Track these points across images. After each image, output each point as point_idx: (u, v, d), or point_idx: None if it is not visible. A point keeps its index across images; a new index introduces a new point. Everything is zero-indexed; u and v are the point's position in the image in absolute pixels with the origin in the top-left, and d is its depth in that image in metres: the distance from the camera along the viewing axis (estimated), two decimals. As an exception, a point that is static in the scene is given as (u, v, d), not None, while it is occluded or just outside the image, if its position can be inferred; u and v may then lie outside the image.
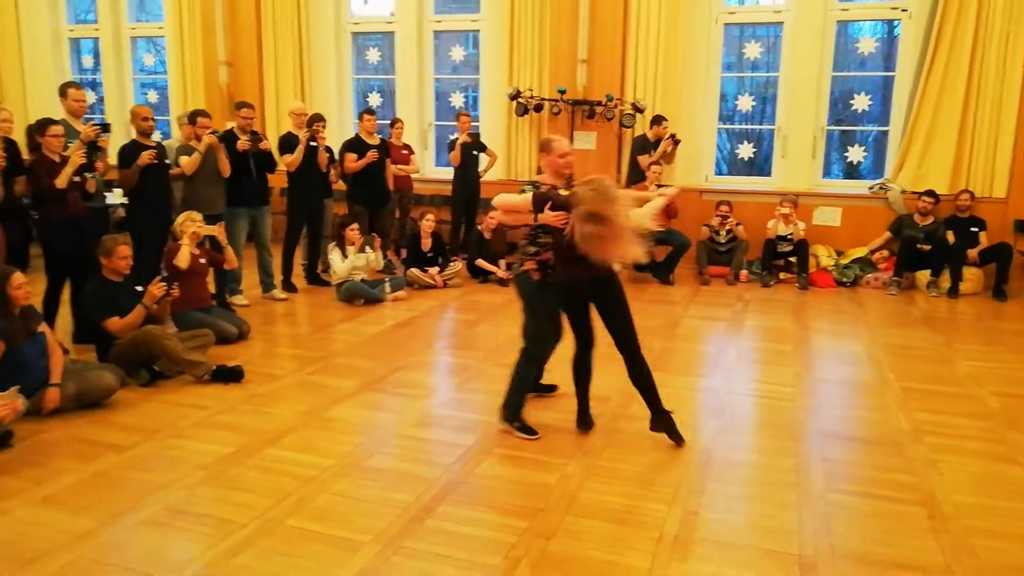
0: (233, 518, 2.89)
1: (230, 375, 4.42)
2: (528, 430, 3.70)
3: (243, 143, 6.02)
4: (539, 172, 3.92)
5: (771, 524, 2.94)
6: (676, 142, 7.70)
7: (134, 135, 5.61)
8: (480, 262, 7.57)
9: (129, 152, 5.43)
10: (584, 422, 3.83)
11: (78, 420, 3.86)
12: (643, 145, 7.87)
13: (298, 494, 3.09)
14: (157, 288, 4.53)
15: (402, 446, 3.59)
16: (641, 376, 3.63)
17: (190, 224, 5.31)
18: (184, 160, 5.83)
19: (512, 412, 3.75)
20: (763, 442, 3.76)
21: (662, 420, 3.65)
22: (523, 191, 3.72)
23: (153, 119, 5.68)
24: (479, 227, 7.75)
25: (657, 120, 7.87)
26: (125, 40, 10.85)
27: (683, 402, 4.31)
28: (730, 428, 3.93)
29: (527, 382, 3.81)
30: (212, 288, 6.10)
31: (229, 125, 6.45)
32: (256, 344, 5.30)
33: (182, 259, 5.13)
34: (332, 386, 4.40)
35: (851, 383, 4.73)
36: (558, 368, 4.12)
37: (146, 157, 5.36)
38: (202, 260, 5.36)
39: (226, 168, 5.96)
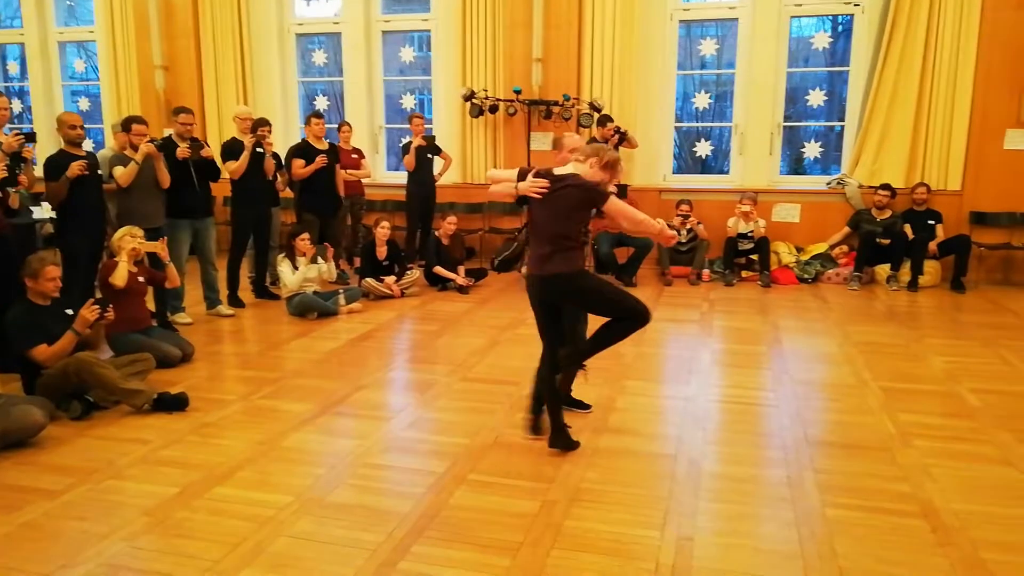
0: (180, 573, 2.56)
1: (173, 403, 4.05)
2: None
3: (183, 151, 5.62)
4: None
5: (772, 547, 2.74)
6: (621, 135, 7.49)
7: (62, 145, 5.19)
8: (438, 269, 7.29)
9: (56, 163, 5.01)
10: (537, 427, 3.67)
11: (1, 463, 3.46)
12: None
13: (254, 539, 2.77)
14: (90, 311, 4.13)
15: (368, 476, 3.29)
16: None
17: (130, 240, 4.91)
18: (119, 171, 5.41)
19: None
20: (751, 452, 3.57)
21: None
22: None
23: (83, 127, 5.27)
24: (436, 233, 7.47)
25: (602, 122, 7.67)
26: (53, 45, 10.26)
27: (666, 412, 4.13)
28: (716, 439, 3.74)
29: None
30: (152, 307, 5.72)
31: (168, 132, 6.04)
32: (202, 366, 4.92)
33: (119, 277, 4.73)
34: (287, 411, 4.08)
35: (830, 385, 4.60)
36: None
37: (76, 168, 4.95)
38: (140, 278, 4.96)
39: (165, 179, 5.56)
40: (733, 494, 3.15)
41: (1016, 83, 7.32)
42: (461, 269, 7.39)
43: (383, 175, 9.45)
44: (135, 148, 5.41)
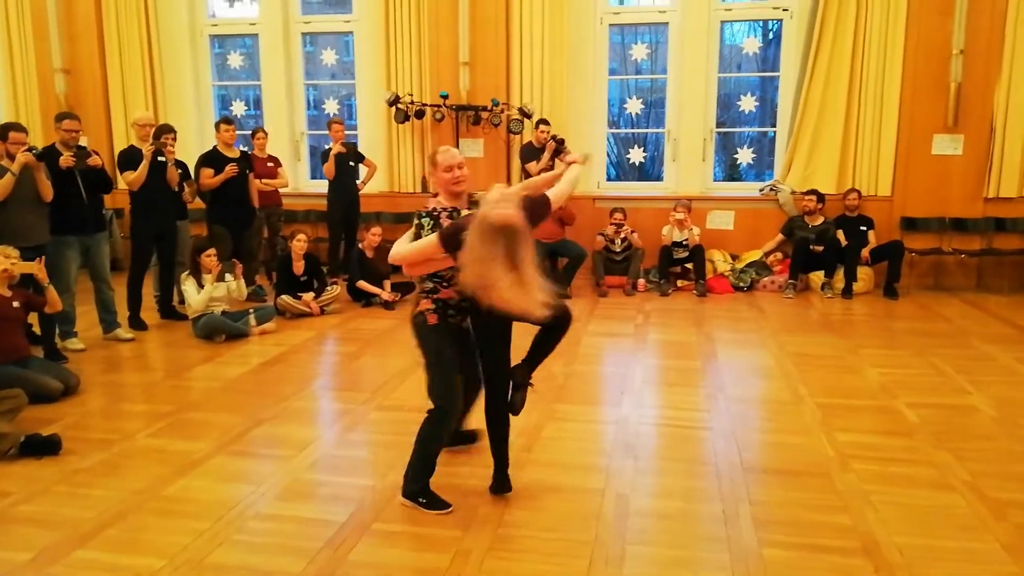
0: (15, 665, 2.15)
1: (43, 446, 3.58)
2: (438, 503, 3.03)
3: (66, 159, 5.10)
4: (433, 195, 3.22)
5: (705, 599, 2.47)
6: (558, 142, 7.24)
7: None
8: (362, 284, 6.88)
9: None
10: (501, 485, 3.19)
11: None
12: (531, 151, 7.42)
13: (113, 616, 2.37)
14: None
15: (258, 530, 2.90)
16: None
17: (2, 260, 4.41)
18: (-7, 183, 4.87)
19: (416, 485, 3.06)
20: (685, 483, 3.31)
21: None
22: (419, 224, 3.03)
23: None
24: (360, 245, 7.07)
25: (539, 124, 7.44)
26: (-59, 46, 9.44)
27: (595, 439, 3.85)
28: (647, 468, 3.48)
29: (434, 447, 3.08)
30: (38, 331, 5.20)
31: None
32: (88, 400, 4.43)
33: (-13, 303, 4.22)
34: (176, 451, 3.64)
35: (766, 402, 4.40)
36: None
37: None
38: (15, 303, 4.44)
39: (47, 191, 5.03)
40: (664, 535, 2.88)
41: (942, 88, 7.35)
42: (387, 283, 7.00)
43: (306, 184, 9.00)
44: (12, 158, 4.88)
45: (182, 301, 6.42)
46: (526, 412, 3.77)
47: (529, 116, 7.75)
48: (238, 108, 9.29)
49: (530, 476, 3.36)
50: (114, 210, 8.39)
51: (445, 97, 7.84)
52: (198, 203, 6.87)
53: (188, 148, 8.04)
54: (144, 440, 3.80)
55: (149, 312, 6.33)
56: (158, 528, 2.91)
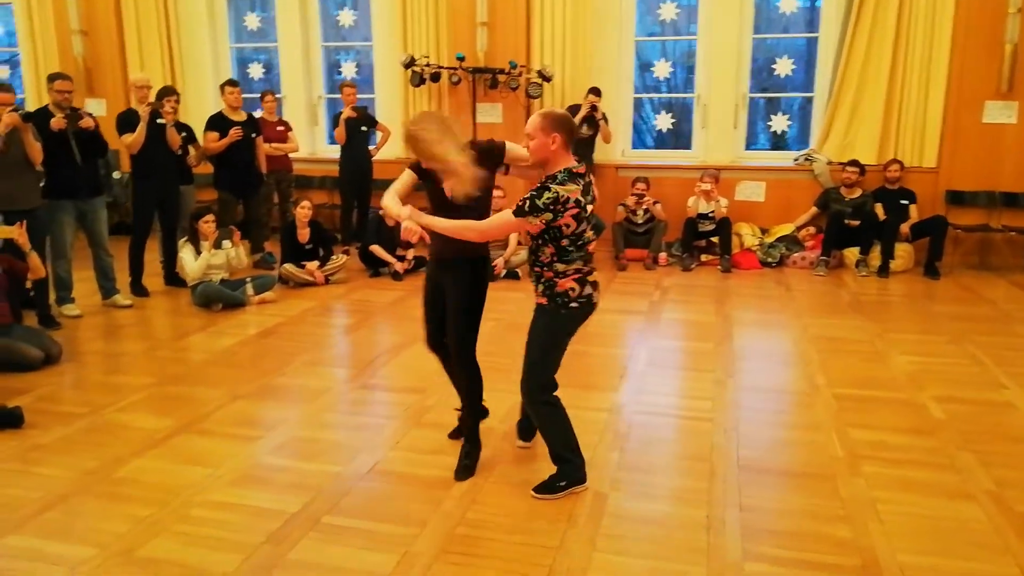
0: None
1: (5, 419, 3.46)
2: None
3: (57, 121, 4.95)
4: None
5: (671, 620, 2.21)
6: (590, 114, 6.89)
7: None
8: (375, 248, 6.59)
9: None
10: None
11: None
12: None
13: (27, 612, 2.21)
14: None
15: (201, 520, 2.72)
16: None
17: (-21, 224, 4.30)
18: (-23, 145, 4.75)
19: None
20: (672, 483, 3.03)
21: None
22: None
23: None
24: (381, 212, 6.77)
25: (588, 94, 7.10)
26: (-35, 6, 9.44)
27: (584, 428, 3.54)
28: (634, 463, 3.20)
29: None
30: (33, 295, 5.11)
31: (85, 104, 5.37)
32: (68, 369, 4.31)
33: (-34, 269, 4.12)
34: (139, 428, 3.49)
35: (777, 392, 4.06)
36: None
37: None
38: (-4, 269, 4.34)
39: (36, 153, 4.89)
40: (638, 542, 2.61)
41: (995, 51, 6.73)
42: (410, 253, 6.68)
43: (323, 149, 8.80)
44: (-2, 119, 4.75)
45: (186, 268, 6.32)
46: (510, 396, 3.51)
47: (549, 79, 7.38)
48: (256, 71, 9.08)
49: (506, 468, 3.12)
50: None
51: (461, 59, 7.49)
52: (205, 167, 6.71)
53: (204, 111, 7.85)
54: (111, 415, 3.66)
55: (154, 278, 6.24)
56: (98, 513, 2.75)
